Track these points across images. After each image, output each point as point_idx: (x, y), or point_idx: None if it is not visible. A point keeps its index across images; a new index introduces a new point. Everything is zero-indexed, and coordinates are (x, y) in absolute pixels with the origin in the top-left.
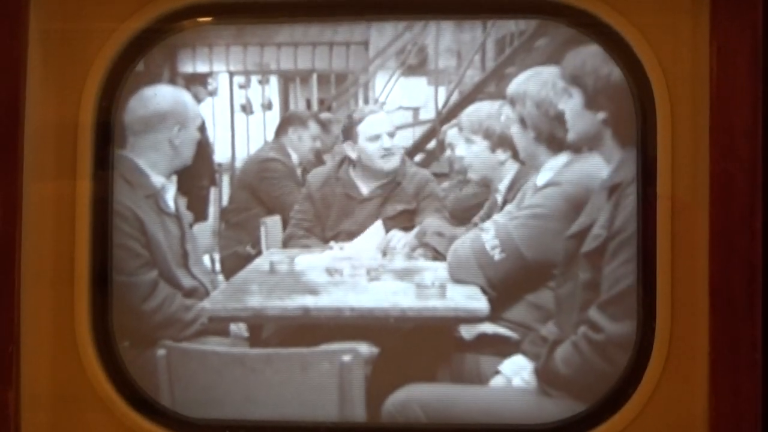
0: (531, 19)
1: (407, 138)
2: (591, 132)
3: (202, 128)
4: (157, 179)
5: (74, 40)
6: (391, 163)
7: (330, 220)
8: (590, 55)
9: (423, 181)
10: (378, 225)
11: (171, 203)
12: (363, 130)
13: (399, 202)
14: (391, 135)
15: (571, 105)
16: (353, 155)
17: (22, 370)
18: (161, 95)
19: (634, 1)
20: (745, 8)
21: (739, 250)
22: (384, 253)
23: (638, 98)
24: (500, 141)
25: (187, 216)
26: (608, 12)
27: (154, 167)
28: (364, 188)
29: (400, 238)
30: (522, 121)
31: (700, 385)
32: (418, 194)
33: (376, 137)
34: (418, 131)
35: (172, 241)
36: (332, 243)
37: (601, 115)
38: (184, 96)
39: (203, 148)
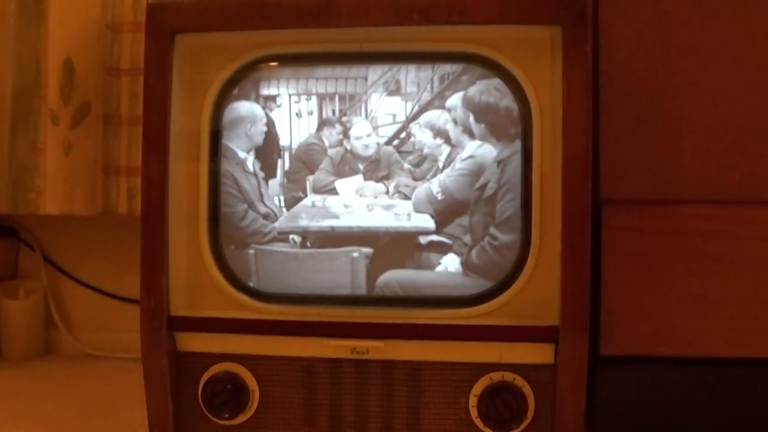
0: (458, 63)
1: (389, 131)
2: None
3: (268, 125)
4: (242, 153)
5: (196, 80)
6: (369, 151)
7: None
8: (478, 91)
9: (389, 154)
10: (359, 177)
11: (251, 167)
12: (352, 132)
13: (378, 171)
14: (369, 135)
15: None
16: (349, 147)
17: (170, 270)
18: (241, 107)
19: (518, 50)
20: (581, 46)
21: (578, 199)
22: (360, 195)
23: (521, 111)
24: (437, 133)
25: (260, 173)
26: (503, 58)
27: (239, 147)
28: (361, 166)
29: (372, 188)
30: (454, 121)
31: (557, 273)
32: (389, 164)
33: (358, 138)
34: (395, 127)
35: (253, 188)
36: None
37: (483, 125)
38: (254, 108)
39: (272, 136)
